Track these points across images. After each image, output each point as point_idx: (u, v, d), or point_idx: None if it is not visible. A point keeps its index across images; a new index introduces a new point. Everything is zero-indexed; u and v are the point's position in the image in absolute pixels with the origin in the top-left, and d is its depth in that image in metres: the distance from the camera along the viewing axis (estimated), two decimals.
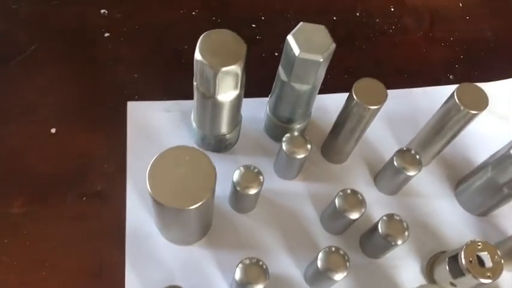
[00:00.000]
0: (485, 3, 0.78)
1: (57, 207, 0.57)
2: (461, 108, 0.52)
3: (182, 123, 0.63)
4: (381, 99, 0.51)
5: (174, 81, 0.65)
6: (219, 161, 0.60)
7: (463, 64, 0.72)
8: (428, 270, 0.57)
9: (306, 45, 0.48)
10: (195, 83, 0.51)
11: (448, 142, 0.58)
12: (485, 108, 0.52)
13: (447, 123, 0.55)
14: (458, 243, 0.59)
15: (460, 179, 0.63)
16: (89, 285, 0.54)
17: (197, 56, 0.46)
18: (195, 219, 0.49)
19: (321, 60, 0.48)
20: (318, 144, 0.64)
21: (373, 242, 0.55)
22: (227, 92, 0.50)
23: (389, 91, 0.67)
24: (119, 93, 0.64)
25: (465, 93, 0.52)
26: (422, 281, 0.57)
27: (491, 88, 0.69)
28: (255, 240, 0.57)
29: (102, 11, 0.69)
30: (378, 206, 0.61)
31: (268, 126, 0.62)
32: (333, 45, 0.49)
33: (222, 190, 0.59)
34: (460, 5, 0.78)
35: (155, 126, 0.62)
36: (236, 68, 0.47)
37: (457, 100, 0.52)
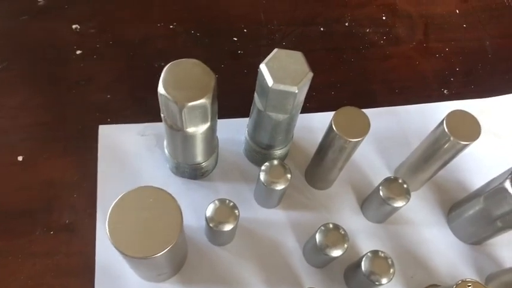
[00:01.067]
0: (484, 9, 0.74)
1: (23, 242, 0.54)
2: (451, 138, 0.48)
3: (157, 148, 0.59)
4: (363, 131, 0.47)
5: (149, 101, 0.62)
6: (195, 189, 0.58)
7: (459, 77, 0.68)
8: None
9: (280, 75, 0.44)
10: (162, 115, 0.47)
11: (439, 169, 0.55)
12: (477, 138, 0.48)
13: (437, 152, 0.51)
14: (449, 275, 0.56)
15: (453, 204, 0.59)
16: None
17: (160, 89, 0.43)
18: (163, 263, 0.46)
19: (296, 91, 0.44)
20: (302, 167, 0.60)
21: (356, 278, 0.52)
22: (197, 125, 0.46)
23: (378, 109, 0.64)
24: (90, 116, 0.60)
25: (455, 122, 0.48)
26: None
27: (487, 104, 0.65)
28: (232, 274, 0.54)
29: (74, 26, 0.66)
30: (364, 235, 0.57)
31: (248, 151, 0.59)
32: (310, 74, 0.45)
33: (198, 220, 0.55)
34: (457, 11, 0.73)
35: (128, 152, 0.59)
36: (203, 102, 0.43)
37: (446, 130, 0.48)
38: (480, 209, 0.52)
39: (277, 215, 0.58)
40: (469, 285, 0.48)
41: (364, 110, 0.64)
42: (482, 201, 0.52)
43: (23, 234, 0.54)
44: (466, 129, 0.48)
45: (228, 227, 0.50)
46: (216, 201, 0.51)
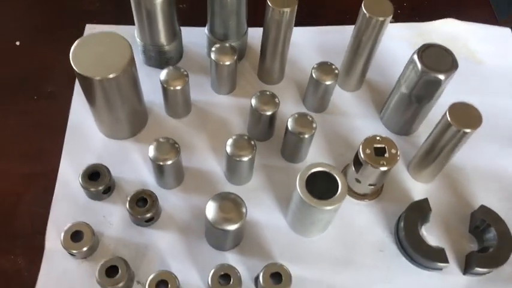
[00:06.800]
0: None
1: (10, 103, 0.64)
2: (367, 15, 0.57)
3: (134, 44, 0.69)
4: (294, 2, 0.56)
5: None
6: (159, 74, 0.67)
7: (406, 11, 0.77)
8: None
9: None
10: None
11: (368, 58, 0.63)
12: (390, 15, 0.57)
13: (362, 38, 0.60)
14: None
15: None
16: (27, 165, 0.60)
17: None
18: (118, 102, 0.55)
19: None
20: (255, 68, 0.69)
21: (287, 142, 0.60)
22: None
23: (326, 27, 0.74)
24: (80, 18, 0.72)
25: (372, 5, 0.57)
26: None
27: (425, 28, 0.74)
28: (184, 141, 0.62)
29: None
30: None
31: (209, 47, 0.68)
32: None
33: (160, 98, 0.64)
34: None
35: None
36: None
37: (364, 10, 0.57)
38: (400, 93, 0.60)
39: (229, 101, 0.67)
40: (378, 139, 0.56)
41: (318, 27, 0.74)
42: (401, 84, 0.60)
43: (11, 97, 0.65)
44: (381, 10, 0.57)
45: (177, 86, 0.59)
46: (171, 67, 0.60)
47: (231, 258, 0.56)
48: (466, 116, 0.52)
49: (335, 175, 0.51)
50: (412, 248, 0.55)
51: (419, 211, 0.57)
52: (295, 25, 0.61)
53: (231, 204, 0.51)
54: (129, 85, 0.55)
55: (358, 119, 0.66)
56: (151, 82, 0.66)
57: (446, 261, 0.54)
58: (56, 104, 0.64)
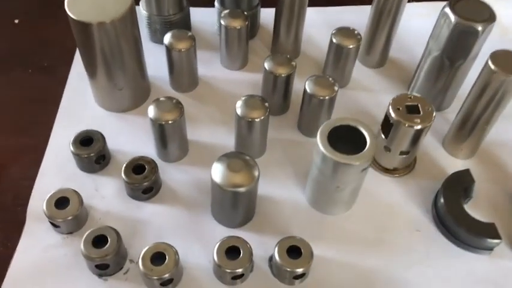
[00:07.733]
0: None
1: (2, 75, 0.59)
2: None
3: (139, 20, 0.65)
4: None
5: None
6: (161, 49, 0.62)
7: None
8: None
9: None
10: None
11: (390, 29, 0.57)
12: None
13: (383, 12, 0.55)
14: None
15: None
16: (16, 138, 0.54)
17: None
18: (118, 58, 0.50)
19: None
20: (268, 43, 0.64)
21: (305, 109, 0.53)
22: None
23: (344, 7, 0.70)
24: None
25: None
26: None
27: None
28: (189, 115, 0.55)
29: None
30: None
31: (219, 21, 0.63)
32: None
33: (164, 73, 0.59)
34: None
35: None
36: None
37: None
38: (431, 56, 0.53)
39: (240, 76, 0.61)
40: (410, 97, 0.49)
41: (335, 7, 0.70)
42: (430, 45, 0.53)
43: (4, 71, 0.60)
44: None
45: (183, 49, 0.53)
46: (175, 30, 0.55)
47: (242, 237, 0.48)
48: (510, 63, 0.45)
49: (361, 128, 0.44)
50: (456, 223, 0.46)
51: (460, 182, 0.49)
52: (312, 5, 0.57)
53: (242, 163, 0.44)
54: (129, 40, 0.50)
55: (383, 94, 0.59)
56: (155, 58, 0.61)
57: (498, 237, 0.46)
58: (50, 79, 0.59)
